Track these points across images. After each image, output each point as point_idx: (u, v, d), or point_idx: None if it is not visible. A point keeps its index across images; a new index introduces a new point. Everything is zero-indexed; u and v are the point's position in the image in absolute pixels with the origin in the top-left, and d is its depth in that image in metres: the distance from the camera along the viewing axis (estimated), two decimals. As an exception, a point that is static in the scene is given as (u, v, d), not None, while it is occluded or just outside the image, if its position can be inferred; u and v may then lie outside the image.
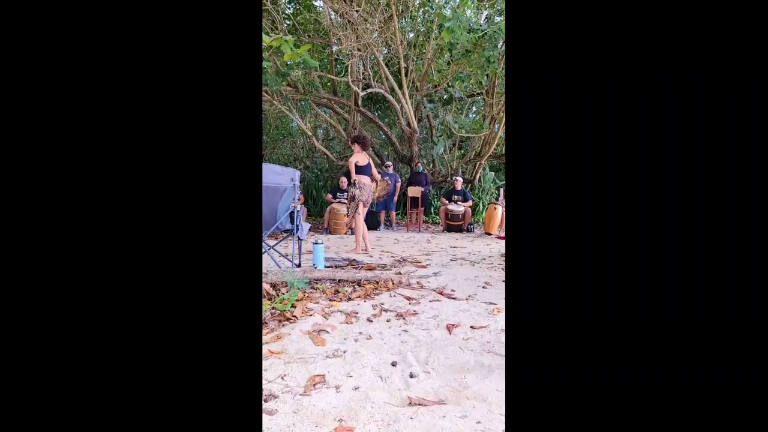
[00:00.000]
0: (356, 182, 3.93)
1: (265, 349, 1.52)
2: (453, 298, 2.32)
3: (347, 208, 4.21)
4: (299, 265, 2.97)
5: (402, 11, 6.73)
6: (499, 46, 5.20)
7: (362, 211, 4.01)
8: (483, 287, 2.60)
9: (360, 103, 7.74)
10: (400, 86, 6.98)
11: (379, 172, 4.46)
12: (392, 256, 3.78)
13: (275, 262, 2.87)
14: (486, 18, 7.15)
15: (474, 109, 9.58)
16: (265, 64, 4.27)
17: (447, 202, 6.45)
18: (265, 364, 1.40)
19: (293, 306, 2.01)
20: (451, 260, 3.62)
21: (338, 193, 6.15)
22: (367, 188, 3.97)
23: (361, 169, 3.94)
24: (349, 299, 2.25)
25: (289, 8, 7.44)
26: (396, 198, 6.68)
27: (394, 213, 6.72)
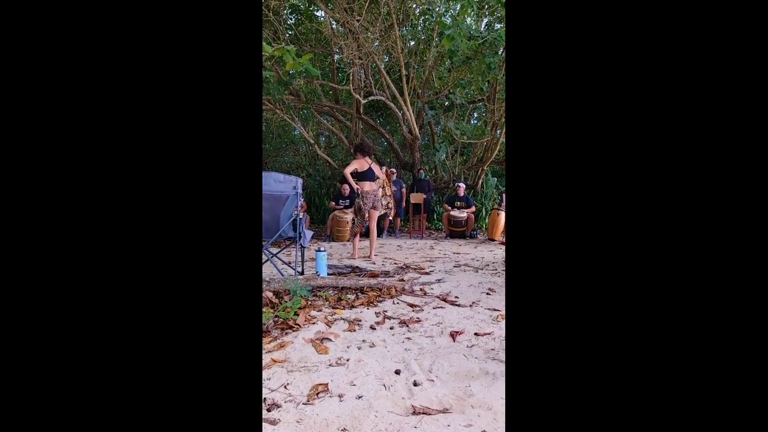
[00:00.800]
0: (359, 192, 3.91)
1: (267, 357, 1.51)
2: (457, 305, 2.30)
3: (353, 220, 4.17)
4: (302, 273, 2.96)
5: (402, 20, 6.78)
6: (499, 53, 5.23)
7: (372, 217, 3.99)
8: (487, 294, 2.59)
9: (362, 110, 7.78)
10: (402, 93, 7.02)
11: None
12: (395, 263, 3.77)
13: (278, 270, 2.87)
14: (486, 25, 7.20)
15: (475, 115, 9.61)
16: (267, 73, 4.30)
17: (450, 208, 6.44)
18: (267, 372, 1.39)
19: (296, 314, 2.01)
20: (455, 267, 3.60)
21: (340, 200, 6.17)
22: (371, 194, 3.92)
23: (360, 176, 3.92)
24: (352, 307, 2.24)
25: (291, 19, 7.52)
26: (403, 204, 6.70)
27: (399, 219, 6.72)
